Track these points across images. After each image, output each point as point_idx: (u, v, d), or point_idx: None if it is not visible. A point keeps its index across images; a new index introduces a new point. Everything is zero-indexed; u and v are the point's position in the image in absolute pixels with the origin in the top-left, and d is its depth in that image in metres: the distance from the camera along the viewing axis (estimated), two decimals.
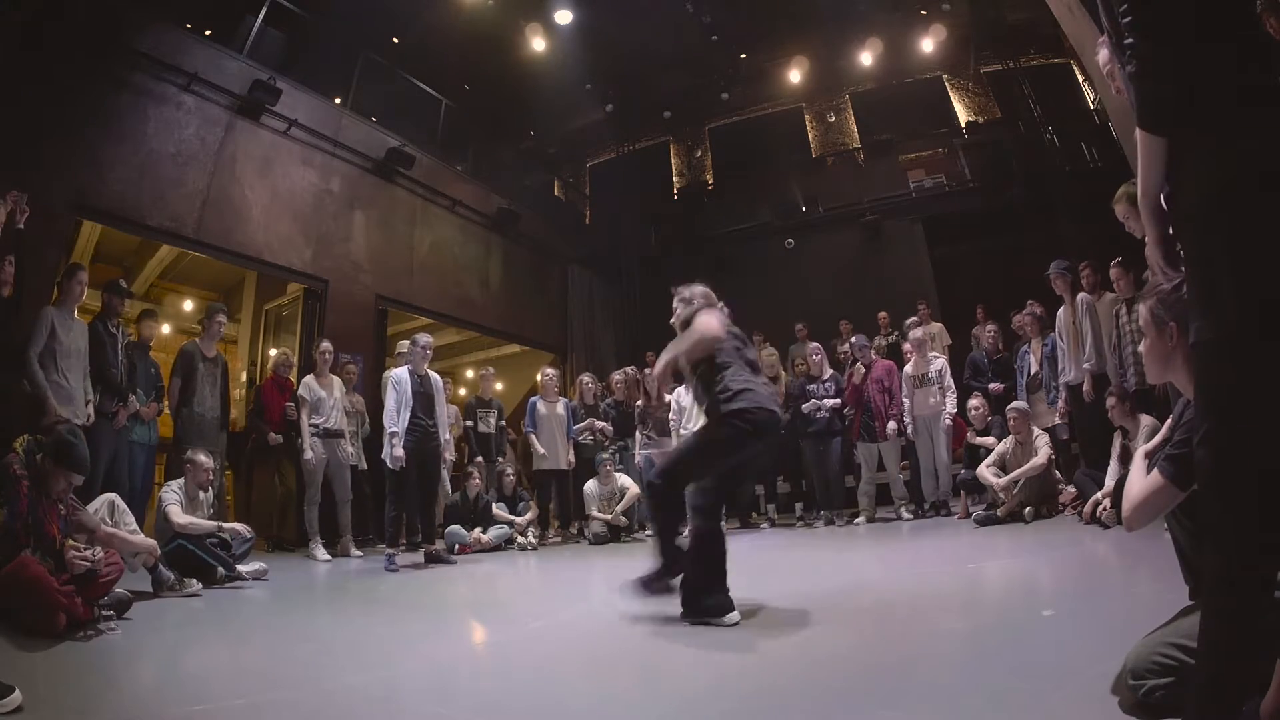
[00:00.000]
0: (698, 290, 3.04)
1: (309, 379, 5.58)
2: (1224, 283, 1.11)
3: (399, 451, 4.79)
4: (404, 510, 5.07)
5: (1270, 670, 1.08)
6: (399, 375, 5.03)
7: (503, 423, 7.15)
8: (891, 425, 5.92)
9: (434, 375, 5.20)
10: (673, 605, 2.69)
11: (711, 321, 2.77)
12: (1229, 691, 1.09)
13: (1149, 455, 1.52)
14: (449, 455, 5.47)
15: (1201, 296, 1.17)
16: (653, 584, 2.68)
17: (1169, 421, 1.53)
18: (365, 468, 6.04)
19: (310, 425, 5.40)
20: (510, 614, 3.47)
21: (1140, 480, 1.48)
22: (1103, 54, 1.59)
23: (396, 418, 4.87)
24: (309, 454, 5.29)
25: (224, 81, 6.25)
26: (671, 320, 3.10)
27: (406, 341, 6.11)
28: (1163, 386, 4.35)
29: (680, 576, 2.65)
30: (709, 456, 2.70)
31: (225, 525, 4.21)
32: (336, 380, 5.79)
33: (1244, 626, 1.08)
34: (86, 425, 4.13)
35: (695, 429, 2.84)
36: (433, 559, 4.94)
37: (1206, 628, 1.13)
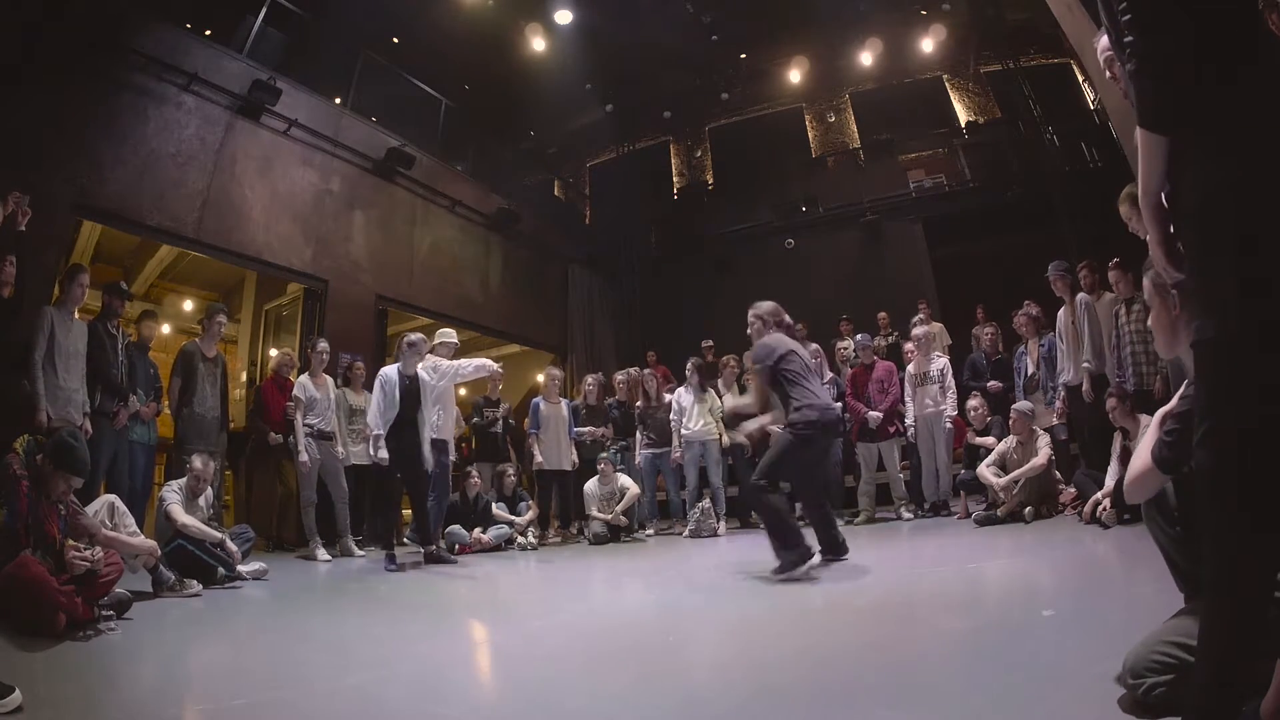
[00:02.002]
0: (765, 307, 3.89)
1: (304, 379, 5.58)
2: (1224, 283, 1.11)
3: (383, 454, 4.77)
4: (391, 511, 5.05)
5: (1270, 670, 1.08)
6: (387, 375, 4.96)
7: (511, 421, 7.14)
8: (873, 414, 5.91)
9: (424, 375, 5.12)
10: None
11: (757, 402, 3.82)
12: (1229, 691, 1.09)
13: (1165, 417, 1.48)
14: (429, 456, 5.29)
15: (1201, 296, 1.17)
16: (792, 566, 3.23)
17: (1179, 390, 1.51)
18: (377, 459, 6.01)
19: (305, 426, 5.40)
20: (510, 614, 3.48)
21: (1143, 452, 1.47)
22: (1103, 41, 1.58)
23: (380, 419, 4.82)
24: (304, 456, 5.29)
25: (224, 81, 6.24)
26: (748, 332, 3.92)
27: (448, 332, 6.06)
28: (1163, 386, 4.35)
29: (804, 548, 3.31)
30: (791, 455, 3.50)
31: (228, 546, 4.17)
32: (330, 380, 5.79)
33: (1244, 626, 1.08)
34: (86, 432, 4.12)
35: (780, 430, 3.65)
36: (433, 559, 4.92)
37: (1206, 627, 1.13)
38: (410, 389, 4.98)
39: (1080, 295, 5.12)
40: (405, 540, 5.95)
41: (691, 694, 1.86)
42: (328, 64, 7.82)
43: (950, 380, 5.94)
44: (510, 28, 10.17)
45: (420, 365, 5.14)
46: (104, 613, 2.77)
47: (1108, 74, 1.59)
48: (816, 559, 3.30)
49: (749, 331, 3.91)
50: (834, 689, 1.78)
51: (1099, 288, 5.10)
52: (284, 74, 6.73)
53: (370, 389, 6.15)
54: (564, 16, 10.02)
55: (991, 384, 5.96)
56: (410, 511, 5.46)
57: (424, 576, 4.52)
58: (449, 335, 5.93)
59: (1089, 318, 5.01)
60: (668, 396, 6.70)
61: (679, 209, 12.06)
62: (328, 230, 7.10)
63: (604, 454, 6.44)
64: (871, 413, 5.95)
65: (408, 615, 3.37)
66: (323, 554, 5.27)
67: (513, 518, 6.15)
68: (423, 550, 5.03)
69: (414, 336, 5.15)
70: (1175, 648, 1.32)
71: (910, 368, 6.05)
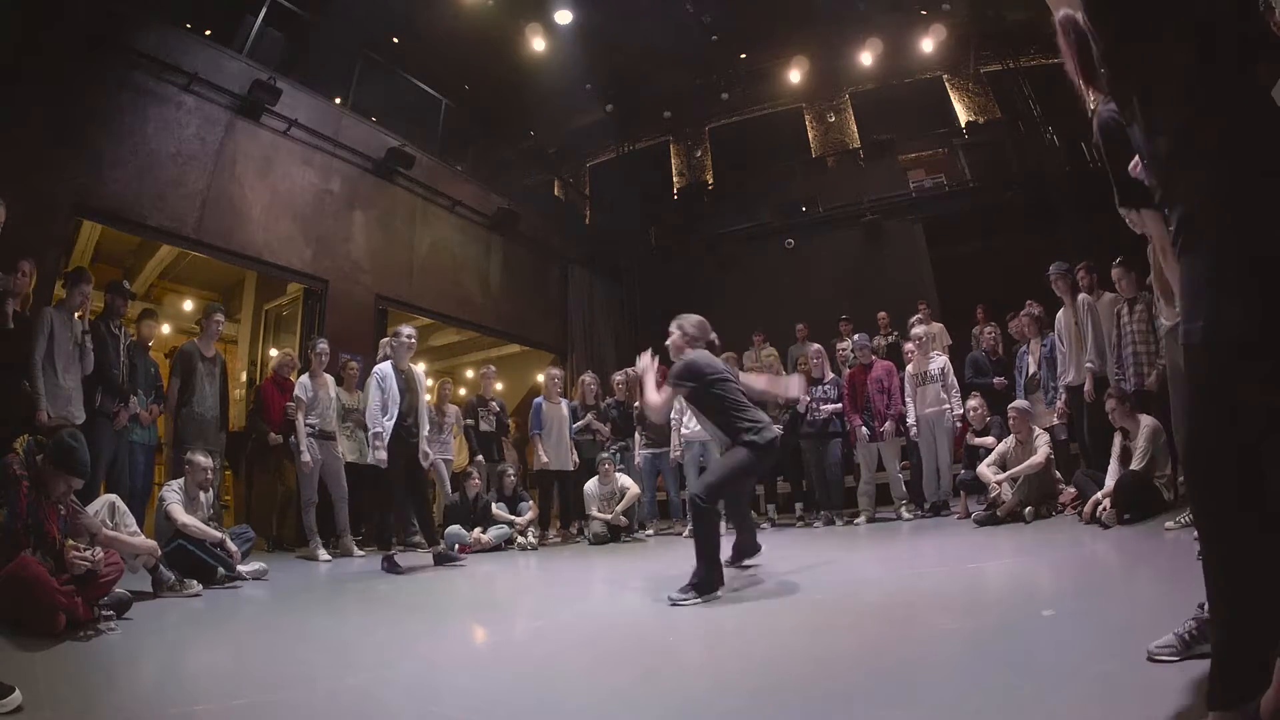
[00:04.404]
0: (691, 321, 3.55)
1: (304, 379, 5.58)
2: (1213, 286, 1.11)
3: (382, 454, 4.59)
4: (396, 510, 5.00)
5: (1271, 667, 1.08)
6: (384, 371, 4.77)
7: (508, 420, 7.14)
8: (888, 425, 5.92)
9: (417, 370, 5.01)
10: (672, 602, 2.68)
11: (653, 399, 3.46)
12: (1239, 673, 1.10)
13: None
14: (426, 450, 5.01)
15: (1193, 298, 1.16)
16: (708, 589, 3.01)
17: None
18: (370, 461, 6.02)
19: (306, 425, 5.39)
20: (510, 614, 3.48)
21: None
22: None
23: (381, 416, 4.65)
24: (306, 457, 5.28)
25: (224, 81, 6.24)
26: (665, 343, 3.56)
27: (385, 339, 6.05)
28: (1162, 387, 4.35)
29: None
30: (740, 475, 3.31)
31: (228, 546, 4.16)
32: (330, 379, 5.79)
33: (1246, 622, 1.09)
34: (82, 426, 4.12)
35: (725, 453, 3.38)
36: (441, 560, 4.88)
37: (1213, 619, 1.15)
38: (407, 384, 4.86)
39: (1082, 296, 5.11)
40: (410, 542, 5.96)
41: (691, 694, 1.86)
42: (328, 64, 7.83)
43: (952, 379, 5.94)
44: (510, 28, 10.17)
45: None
46: (104, 613, 2.77)
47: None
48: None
49: (667, 343, 3.58)
50: (834, 689, 1.78)
51: (1098, 288, 5.09)
52: (284, 74, 6.73)
53: (363, 388, 6.17)
54: (564, 16, 10.02)
55: (998, 380, 5.95)
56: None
57: (423, 577, 4.52)
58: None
59: (1092, 319, 5.00)
60: None
61: (679, 209, 12.05)
62: (328, 230, 7.10)
63: (604, 454, 6.45)
64: (862, 429, 5.99)
65: (408, 615, 3.36)
66: (323, 554, 5.27)
67: (513, 518, 6.16)
68: (431, 553, 4.98)
69: (405, 329, 5.02)
70: None
71: (910, 368, 6.05)
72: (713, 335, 3.60)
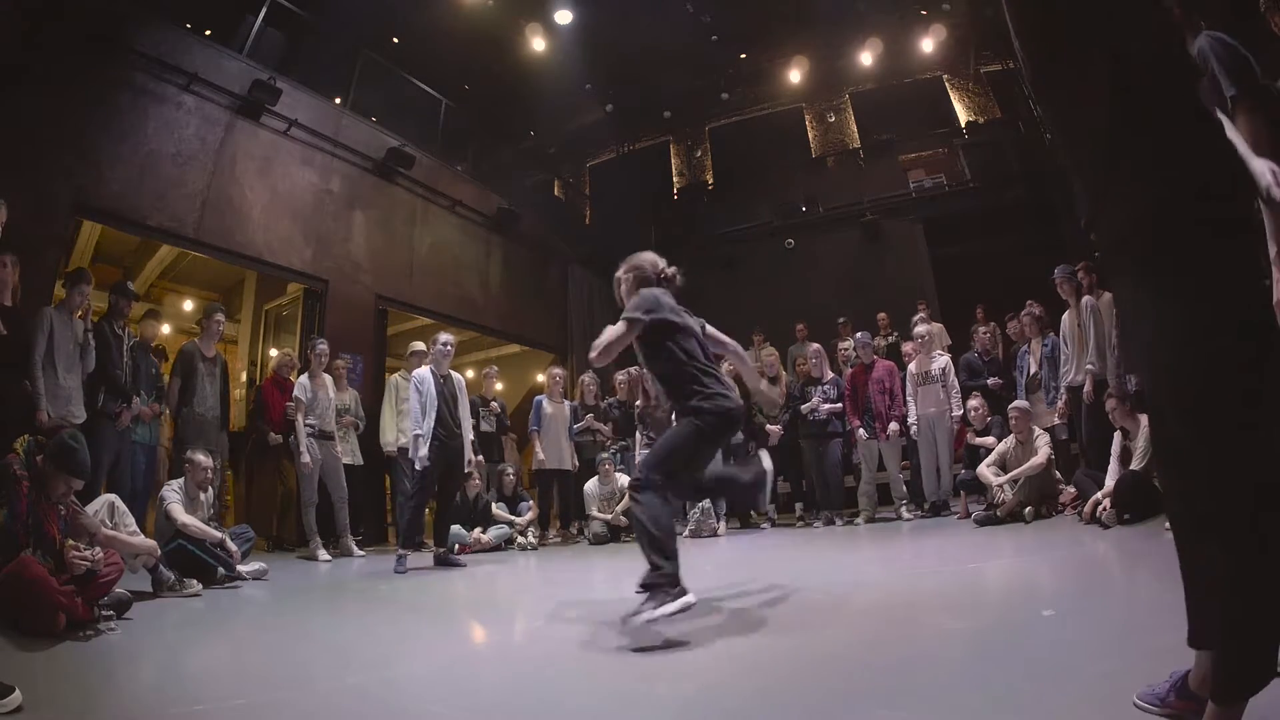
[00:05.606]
0: (640, 258, 3.06)
1: (303, 379, 5.59)
2: (1153, 318, 1.10)
3: (423, 452, 4.69)
4: (421, 513, 5.03)
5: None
6: (422, 375, 4.91)
7: (507, 422, 7.14)
8: (893, 426, 5.92)
9: (456, 375, 5.14)
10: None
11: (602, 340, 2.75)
12: (1246, 667, 1.10)
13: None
14: (471, 456, 5.20)
15: (1131, 322, 1.16)
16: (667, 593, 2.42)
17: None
18: (362, 462, 6.04)
19: (306, 426, 5.40)
20: (510, 614, 3.48)
21: None
22: None
23: (422, 419, 4.76)
24: (305, 457, 5.29)
25: (224, 81, 6.24)
26: (620, 291, 3.11)
27: (418, 344, 6.11)
28: None
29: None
30: (685, 450, 2.72)
31: (228, 546, 4.16)
32: (329, 379, 5.80)
33: (1256, 609, 1.09)
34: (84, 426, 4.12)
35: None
36: (442, 562, 4.91)
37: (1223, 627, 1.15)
38: (446, 389, 4.96)
39: (1086, 298, 5.11)
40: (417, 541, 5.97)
41: (691, 694, 1.86)
42: (328, 64, 7.83)
43: (954, 379, 5.94)
44: (510, 28, 10.17)
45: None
46: (104, 613, 2.77)
47: None
48: (691, 598, 2.42)
49: (620, 291, 3.10)
50: (834, 689, 1.78)
51: (1097, 287, 5.10)
52: (284, 74, 6.73)
53: (358, 388, 6.22)
54: (564, 16, 10.03)
55: (992, 380, 5.96)
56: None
57: (424, 577, 4.52)
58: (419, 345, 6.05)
59: (1095, 321, 5.01)
60: None
61: (679, 209, 12.06)
62: (328, 230, 7.11)
63: (604, 454, 6.45)
64: (860, 430, 6.03)
65: (408, 615, 3.37)
66: (323, 554, 5.27)
67: (513, 518, 6.16)
68: (433, 553, 5.00)
69: (442, 336, 5.14)
70: None
71: (912, 367, 6.06)
72: (664, 267, 3.03)
